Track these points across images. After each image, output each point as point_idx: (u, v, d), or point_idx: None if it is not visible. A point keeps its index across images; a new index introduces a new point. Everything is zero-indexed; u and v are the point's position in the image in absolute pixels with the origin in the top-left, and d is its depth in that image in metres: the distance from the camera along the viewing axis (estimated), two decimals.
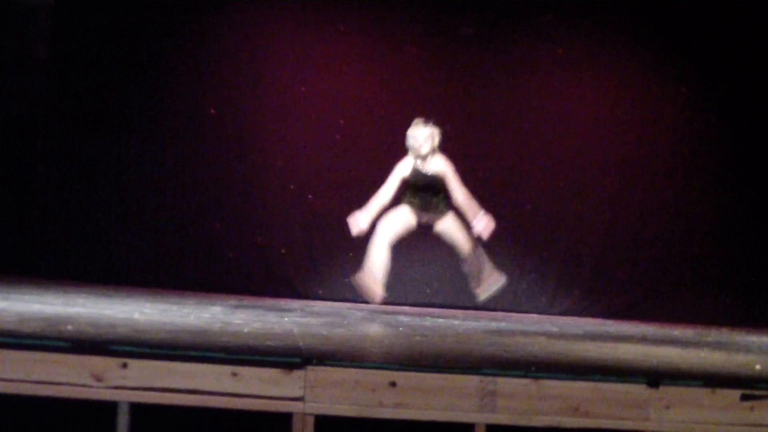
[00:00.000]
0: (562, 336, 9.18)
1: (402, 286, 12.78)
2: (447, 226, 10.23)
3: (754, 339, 10.32)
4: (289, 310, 10.09)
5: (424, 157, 10.05)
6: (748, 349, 8.78)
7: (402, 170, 10.13)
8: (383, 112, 12.96)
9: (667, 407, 5.79)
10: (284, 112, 12.90)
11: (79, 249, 12.61)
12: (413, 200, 10.11)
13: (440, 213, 10.14)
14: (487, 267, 10.31)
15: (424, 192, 10.09)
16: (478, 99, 13.05)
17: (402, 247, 12.68)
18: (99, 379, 5.42)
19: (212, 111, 12.80)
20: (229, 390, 5.48)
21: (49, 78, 12.90)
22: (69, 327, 6.46)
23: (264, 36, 12.96)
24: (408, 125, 12.16)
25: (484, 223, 9.98)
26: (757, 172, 13.18)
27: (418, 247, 12.72)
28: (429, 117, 10.36)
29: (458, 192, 10.00)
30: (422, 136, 10.04)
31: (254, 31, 12.94)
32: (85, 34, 12.76)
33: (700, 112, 13.28)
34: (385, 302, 11.52)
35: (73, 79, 12.79)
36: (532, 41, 13.21)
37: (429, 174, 10.07)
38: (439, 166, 10.10)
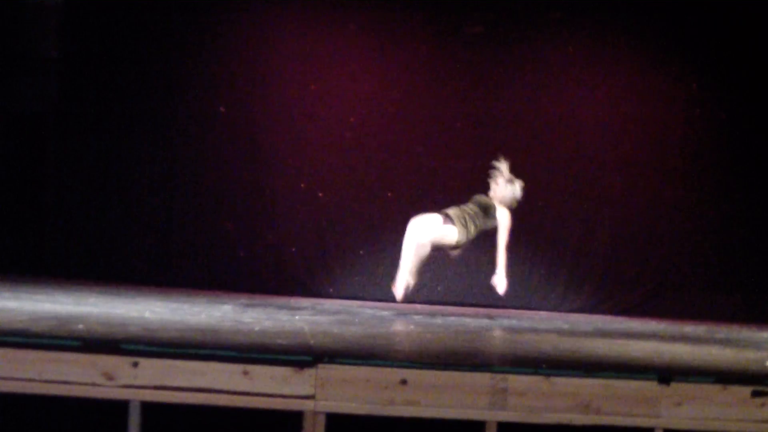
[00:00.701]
0: (572, 333, 9.18)
1: (413, 285, 12.78)
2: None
3: (765, 335, 10.31)
4: (300, 309, 10.10)
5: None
6: (758, 346, 8.77)
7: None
8: (393, 110, 12.97)
9: (679, 404, 5.78)
10: (294, 111, 12.92)
11: (89, 248, 12.64)
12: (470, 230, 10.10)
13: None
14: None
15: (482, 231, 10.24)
16: (488, 97, 13.05)
17: None
18: (110, 378, 5.43)
19: (222, 109, 12.82)
20: (240, 388, 5.48)
21: (60, 77, 12.94)
22: (80, 326, 6.47)
23: (274, 34, 12.97)
24: (416, 122, 12.26)
25: (502, 281, 10.06)
26: (766, 170, 13.15)
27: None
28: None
29: (503, 240, 10.14)
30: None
31: (264, 30, 12.95)
32: (95, 34, 12.80)
33: (710, 110, 13.27)
34: (396, 301, 11.57)
35: (83, 78, 12.82)
36: (540, 39, 13.20)
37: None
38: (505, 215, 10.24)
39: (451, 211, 10.05)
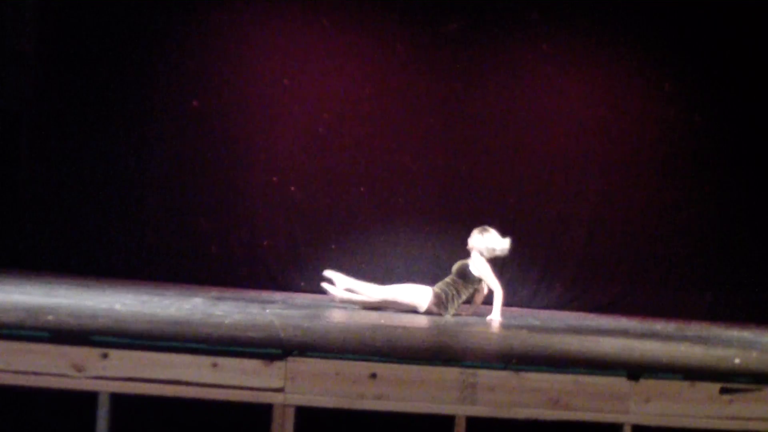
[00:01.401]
0: (543, 329, 9.21)
1: (384, 279, 12.79)
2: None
3: (734, 333, 10.37)
4: (271, 302, 10.09)
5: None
6: (727, 344, 8.81)
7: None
8: (366, 107, 12.98)
9: (647, 400, 5.80)
10: (267, 105, 12.91)
11: (64, 242, 12.58)
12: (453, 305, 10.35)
13: None
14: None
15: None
16: (463, 95, 13.08)
17: (385, 242, 12.75)
18: (79, 370, 5.40)
19: (195, 104, 12.79)
20: (210, 381, 5.47)
21: (35, 72, 12.85)
22: (49, 317, 6.44)
23: (247, 30, 12.95)
24: (391, 119, 12.29)
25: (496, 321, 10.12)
26: (740, 170, 13.27)
27: (400, 243, 12.75)
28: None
29: (494, 286, 10.35)
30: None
31: (238, 25, 12.92)
32: (70, 28, 12.74)
33: (685, 111, 13.35)
34: None
35: (58, 73, 12.76)
36: (517, 39, 13.26)
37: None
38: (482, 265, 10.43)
39: (438, 288, 10.26)
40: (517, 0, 13.24)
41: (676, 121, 13.37)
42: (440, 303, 10.14)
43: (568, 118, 13.23)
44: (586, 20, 13.28)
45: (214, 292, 11.04)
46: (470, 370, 5.68)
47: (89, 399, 5.47)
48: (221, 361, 5.49)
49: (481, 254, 10.34)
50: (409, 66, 13.11)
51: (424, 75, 13.08)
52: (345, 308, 10.14)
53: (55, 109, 12.74)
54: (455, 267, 10.41)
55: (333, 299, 10.48)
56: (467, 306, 10.58)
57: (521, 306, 12.82)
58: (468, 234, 10.45)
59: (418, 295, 10.22)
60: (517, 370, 5.74)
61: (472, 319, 10.05)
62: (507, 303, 12.70)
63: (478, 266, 10.30)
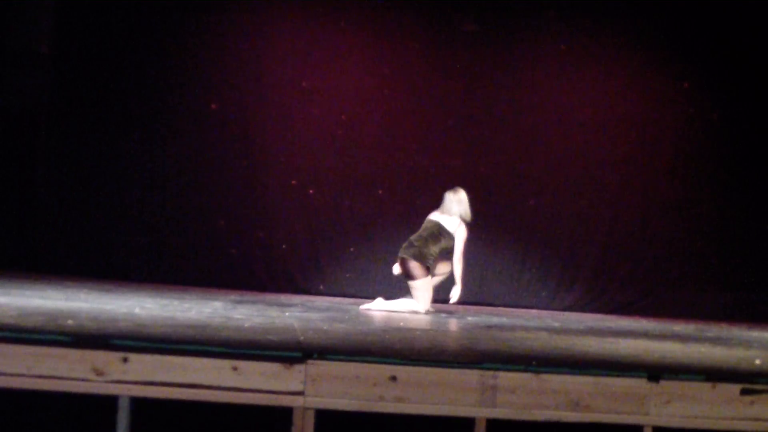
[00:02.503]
0: (563, 331, 9.19)
1: (404, 282, 12.80)
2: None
3: (754, 334, 10.33)
4: (290, 305, 10.11)
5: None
6: (747, 344, 8.79)
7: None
8: (385, 108, 12.97)
9: (668, 402, 5.79)
10: (286, 108, 12.91)
11: (81, 245, 12.61)
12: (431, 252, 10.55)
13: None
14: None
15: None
16: (481, 95, 13.06)
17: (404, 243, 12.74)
18: (100, 374, 5.42)
19: (213, 107, 12.80)
20: (230, 384, 5.48)
21: (52, 74, 12.90)
22: (70, 321, 6.47)
23: (266, 32, 12.96)
24: (409, 120, 12.30)
25: (457, 292, 10.49)
26: (758, 169, 13.20)
27: None
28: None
29: (458, 252, 10.51)
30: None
31: (256, 27, 12.94)
32: (87, 30, 12.76)
33: (702, 110, 13.30)
34: (387, 298, 11.63)
35: (75, 75, 12.79)
36: (533, 38, 13.22)
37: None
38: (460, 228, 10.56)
39: (425, 262, 10.49)
40: None
41: (695, 120, 13.32)
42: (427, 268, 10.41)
43: (587, 118, 13.20)
44: (604, 18, 13.24)
45: (234, 295, 11.06)
46: (490, 372, 5.68)
47: (109, 403, 5.49)
48: (241, 364, 5.50)
49: (463, 220, 10.45)
50: (426, 66, 13.10)
51: (442, 75, 13.07)
52: (364, 311, 10.14)
53: (73, 111, 12.77)
54: (431, 228, 10.50)
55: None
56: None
57: (541, 308, 12.79)
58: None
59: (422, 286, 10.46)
60: (537, 371, 5.74)
61: (493, 320, 10.03)
62: (527, 305, 12.77)
63: (460, 232, 10.43)
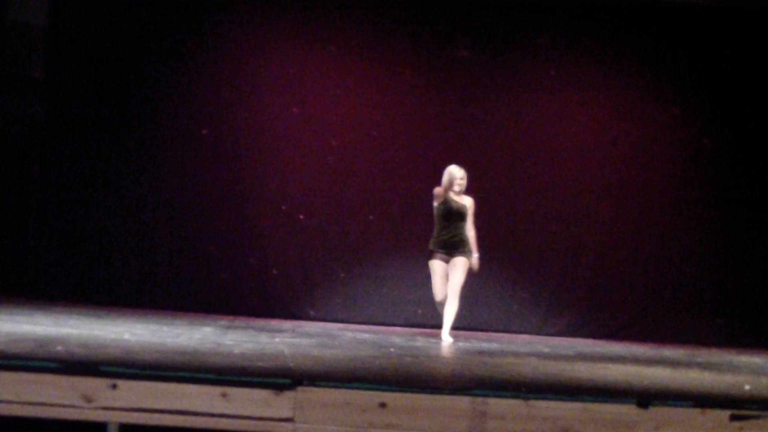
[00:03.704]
0: (553, 357, 9.19)
1: (393, 307, 12.81)
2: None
3: (744, 359, 10.34)
4: (281, 331, 10.09)
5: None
6: (737, 370, 8.80)
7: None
8: (375, 134, 13.00)
9: (657, 428, 5.78)
10: (277, 133, 12.92)
11: (72, 271, 12.59)
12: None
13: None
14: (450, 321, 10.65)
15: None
16: (471, 122, 13.09)
17: (395, 270, 12.74)
18: (89, 400, 5.41)
19: (205, 132, 12.81)
20: (219, 411, 5.47)
21: (44, 99, 12.90)
22: (59, 348, 6.46)
23: (257, 57, 12.99)
24: (399, 146, 12.33)
25: (475, 261, 10.56)
26: (750, 193, 13.23)
27: (410, 270, 12.73)
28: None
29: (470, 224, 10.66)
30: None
31: (247, 53, 12.96)
32: (80, 55, 12.76)
33: (693, 136, 13.35)
34: (376, 323, 11.71)
35: (68, 100, 12.78)
36: (525, 63, 13.27)
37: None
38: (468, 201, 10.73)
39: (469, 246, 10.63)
40: (525, 25, 13.26)
41: (685, 145, 13.37)
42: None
43: (577, 143, 13.24)
44: (594, 45, 13.30)
45: (224, 320, 11.05)
46: (480, 399, 5.68)
47: (98, 430, 5.47)
48: (231, 391, 5.49)
49: (460, 191, 10.62)
50: (418, 92, 13.13)
51: (433, 101, 13.10)
52: (355, 337, 10.13)
53: (65, 136, 12.75)
54: (461, 212, 10.56)
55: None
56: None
57: (531, 334, 12.80)
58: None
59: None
60: (527, 398, 5.73)
61: (483, 346, 10.02)
62: (518, 330, 12.77)
63: (468, 202, 10.64)
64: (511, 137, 13.17)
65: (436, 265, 10.53)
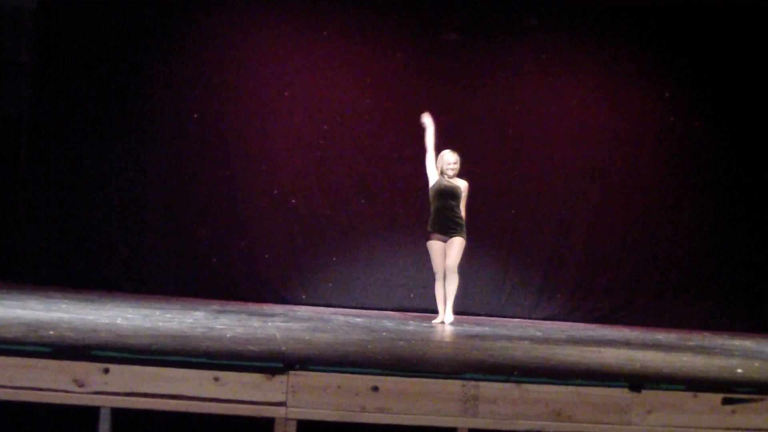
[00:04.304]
0: (545, 341, 9.19)
1: (385, 291, 12.81)
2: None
3: (736, 343, 10.36)
4: (273, 315, 10.09)
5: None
6: (729, 353, 8.80)
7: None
8: (366, 118, 12.99)
9: (649, 411, 5.79)
10: (267, 118, 12.91)
11: (63, 255, 12.58)
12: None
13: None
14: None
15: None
16: (463, 104, 13.08)
17: (387, 253, 12.74)
18: (81, 385, 5.40)
19: (195, 116, 12.79)
20: (211, 395, 5.46)
21: (33, 83, 12.86)
22: (51, 332, 6.44)
23: (247, 42, 12.96)
24: (390, 129, 12.32)
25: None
26: (740, 176, 13.25)
27: (401, 253, 12.75)
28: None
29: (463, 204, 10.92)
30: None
31: (238, 37, 12.93)
32: (68, 39, 12.73)
33: (683, 119, 13.35)
34: (368, 307, 11.71)
35: (55, 84, 12.76)
36: (516, 47, 13.26)
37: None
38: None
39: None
40: (516, 7, 13.24)
41: (676, 128, 13.37)
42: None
43: (568, 126, 13.24)
44: (585, 28, 13.29)
45: (216, 305, 11.04)
46: (472, 382, 5.68)
47: (91, 414, 5.46)
48: (223, 375, 5.49)
49: (454, 174, 10.85)
50: (408, 75, 13.12)
51: (423, 84, 13.09)
52: (347, 321, 10.13)
53: (53, 121, 12.74)
54: (453, 192, 10.73)
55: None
56: None
57: (523, 318, 12.81)
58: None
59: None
60: (519, 381, 5.73)
61: (475, 330, 10.03)
62: (509, 314, 12.79)
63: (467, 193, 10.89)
64: (500, 121, 13.17)
65: (435, 245, 10.70)
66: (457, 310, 11.94)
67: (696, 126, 13.37)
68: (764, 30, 13.18)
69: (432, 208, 10.72)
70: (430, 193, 10.73)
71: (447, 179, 10.69)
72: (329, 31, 13.06)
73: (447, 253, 10.65)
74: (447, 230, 10.65)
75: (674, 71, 13.33)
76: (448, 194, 10.68)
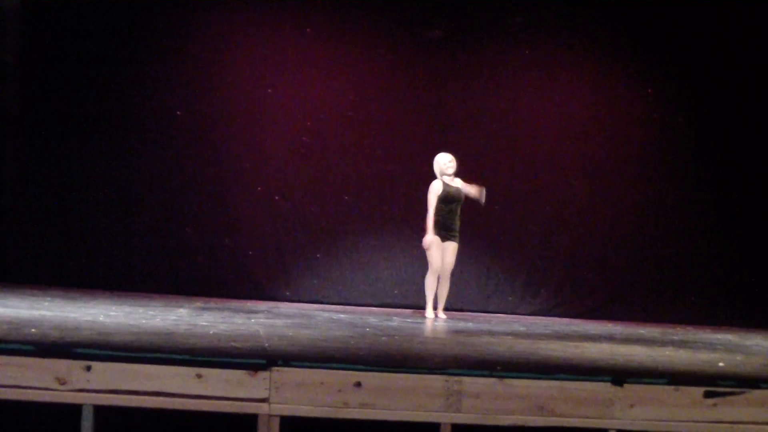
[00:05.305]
0: (528, 336, 9.21)
1: (369, 288, 12.81)
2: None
3: (719, 337, 10.39)
4: (256, 312, 10.09)
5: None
6: (712, 348, 8.83)
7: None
8: (350, 114, 12.97)
9: (632, 405, 5.81)
10: (252, 115, 12.88)
11: (47, 253, 12.52)
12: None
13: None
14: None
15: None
16: (446, 101, 13.08)
17: (371, 250, 12.75)
18: (63, 383, 5.39)
19: (179, 113, 12.76)
20: (194, 392, 5.46)
21: (18, 83, 12.80)
22: (33, 330, 6.43)
23: (232, 39, 12.93)
24: (374, 126, 12.32)
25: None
26: (723, 172, 13.27)
27: (386, 250, 12.75)
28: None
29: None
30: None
31: (222, 34, 12.90)
32: (53, 39, 12.67)
33: (667, 115, 13.37)
34: (352, 303, 11.73)
35: (41, 84, 12.69)
36: (500, 44, 13.26)
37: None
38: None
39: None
40: (500, 5, 13.23)
41: (660, 125, 13.39)
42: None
43: (553, 124, 13.24)
44: (569, 26, 13.29)
45: (200, 302, 11.03)
46: (455, 378, 5.69)
47: (73, 412, 5.45)
48: (205, 372, 5.49)
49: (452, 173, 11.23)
50: (392, 72, 13.10)
51: (408, 81, 13.08)
52: (331, 317, 10.13)
53: (39, 120, 12.67)
54: (458, 195, 11.10)
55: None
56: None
57: (507, 313, 12.81)
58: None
59: None
60: (502, 376, 5.74)
61: (459, 326, 10.04)
62: (494, 310, 12.80)
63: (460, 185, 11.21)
64: (485, 118, 13.16)
65: (441, 243, 10.96)
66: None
67: (680, 122, 13.39)
68: (747, 24, 13.20)
69: (438, 212, 10.95)
70: (437, 198, 10.95)
71: (451, 182, 10.99)
72: (313, 28, 13.04)
73: (444, 256, 10.91)
74: (447, 232, 10.96)
75: (658, 68, 13.34)
76: (455, 198, 10.99)
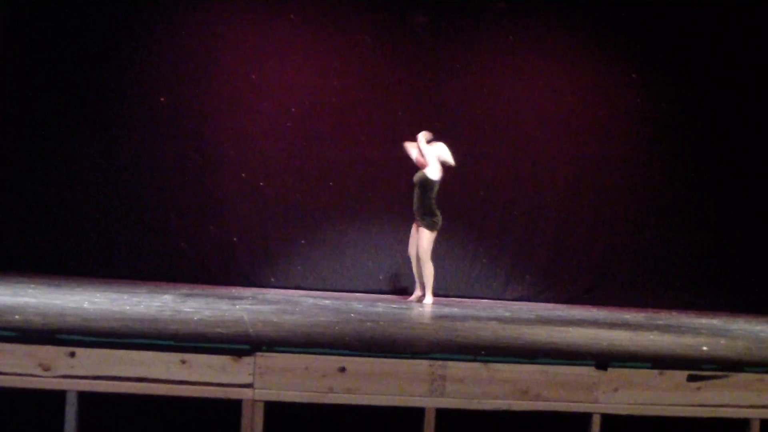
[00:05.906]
0: (513, 321, 9.22)
1: (354, 274, 12.81)
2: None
3: (704, 321, 10.43)
4: (241, 298, 10.08)
5: None
6: (696, 332, 8.87)
7: None
8: (335, 101, 12.95)
9: (616, 389, 5.84)
10: (235, 101, 12.85)
11: (31, 240, 12.48)
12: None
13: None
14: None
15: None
16: (430, 87, 13.06)
17: (356, 237, 12.75)
18: (47, 369, 5.39)
19: (162, 100, 12.72)
20: (178, 377, 5.47)
21: (3, 74, 12.75)
22: (16, 317, 6.42)
23: (215, 25, 12.88)
24: (358, 113, 12.31)
25: None
26: (708, 159, 13.30)
27: (370, 237, 12.76)
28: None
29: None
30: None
31: (205, 20, 12.85)
32: (35, 25, 12.61)
33: (651, 100, 13.38)
34: (337, 289, 11.75)
35: (26, 74, 12.62)
36: (484, 29, 13.24)
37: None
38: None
39: None
40: None
41: (644, 110, 13.40)
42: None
43: (536, 109, 13.24)
44: (552, 11, 13.29)
45: (185, 288, 11.02)
46: (439, 362, 5.70)
47: (57, 398, 5.45)
48: (190, 357, 5.49)
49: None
50: (376, 58, 13.09)
51: (392, 68, 13.07)
52: (315, 303, 10.13)
53: (22, 107, 12.62)
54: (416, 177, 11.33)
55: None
56: None
57: (492, 298, 12.83)
58: None
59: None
60: (486, 361, 5.76)
61: (443, 311, 10.05)
62: (478, 295, 12.82)
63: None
64: (469, 104, 13.16)
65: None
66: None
67: (663, 107, 13.41)
68: (732, 13, 13.22)
69: (434, 199, 11.19)
70: (436, 185, 11.18)
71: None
72: (296, 14, 13.01)
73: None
74: (417, 218, 11.26)
75: (642, 53, 13.35)
76: (414, 183, 11.23)
